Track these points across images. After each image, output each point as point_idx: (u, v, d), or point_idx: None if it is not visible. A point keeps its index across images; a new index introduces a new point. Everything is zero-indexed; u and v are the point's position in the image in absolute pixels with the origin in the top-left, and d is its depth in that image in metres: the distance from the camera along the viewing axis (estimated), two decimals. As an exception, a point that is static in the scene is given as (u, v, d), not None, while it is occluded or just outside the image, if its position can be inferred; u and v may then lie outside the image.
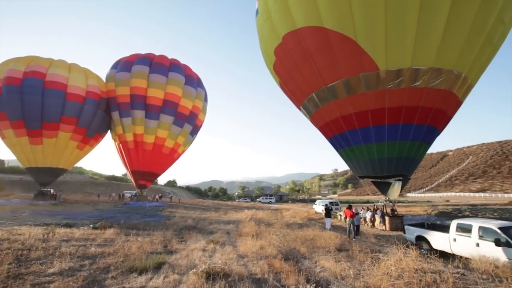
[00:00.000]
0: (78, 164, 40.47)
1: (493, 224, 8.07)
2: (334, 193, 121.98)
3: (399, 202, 45.54)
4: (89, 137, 31.03)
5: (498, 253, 7.39)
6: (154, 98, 30.40)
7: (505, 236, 7.44)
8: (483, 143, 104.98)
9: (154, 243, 9.48)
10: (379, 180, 16.08)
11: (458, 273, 6.17)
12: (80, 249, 7.92)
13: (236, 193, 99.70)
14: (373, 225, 17.32)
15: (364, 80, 12.93)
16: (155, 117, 30.85)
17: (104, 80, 32.63)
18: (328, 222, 15.00)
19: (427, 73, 12.17)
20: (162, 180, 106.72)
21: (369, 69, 12.55)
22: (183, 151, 36.61)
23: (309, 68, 14.30)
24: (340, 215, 20.40)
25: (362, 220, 17.75)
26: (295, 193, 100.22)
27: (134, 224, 14.31)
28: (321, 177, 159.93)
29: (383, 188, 16.13)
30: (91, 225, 12.92)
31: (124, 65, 31.26)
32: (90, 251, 7.82)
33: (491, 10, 11.42)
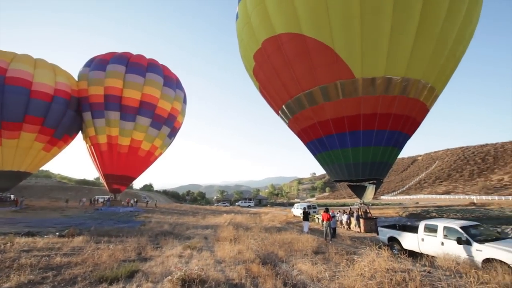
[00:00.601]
0: (44, 167, 37.79)
1: (456, 224, 8.68)
2: (312, 196, 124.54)
3: (373, 204, 47.49)
4: (57, 138, 28.98)
5: (459, 251, 7.96)
6: (130, 99, 29.21)
7: (466, 235, 8.05)
8: (448, 149, 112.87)
9: (127, 251, 9.05)
10: (354, 183, 16.69)
11: (424, 271, 6.53)
12: (43, 260, 7.34)
13: (215, 197, 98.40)
14: (349, 227, 17.88)
15: (341, 87, 13.43)
16: (131, 118, 29.64)
17: (75, 78, 30.86)
18: (306, 225, 15.25)
19: (399, 82, 12.93)
20: (137, 184, 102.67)
21: (346, 77, 13.07)
22: (160, 154, 35.53)
23: (287, 73, 14.59)
24: (318, 218, 20.83)
25: (338, 222, 18.26)
26: (274, 196, 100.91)
27: (106, 230, 13.58)
28: (300, 181, 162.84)
29: (358, 191, 16.77)
30: (57, 233, 12.04)
31: (99, 64, 29.79)
32: (54, 262, 7.28)
33: (453, 27, 12.43)
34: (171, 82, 32.81)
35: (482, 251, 7.52)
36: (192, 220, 22.87)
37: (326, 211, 13.65)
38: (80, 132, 32.45)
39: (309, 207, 27.42)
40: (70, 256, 7.92)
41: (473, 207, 39.10)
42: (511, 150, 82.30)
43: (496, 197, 53.14)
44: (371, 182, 16.16)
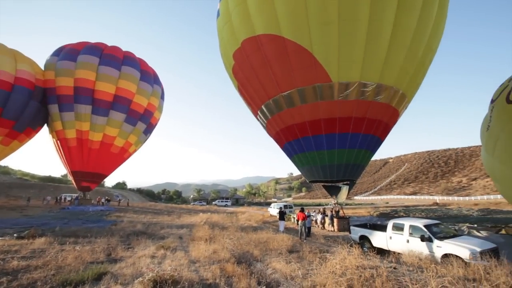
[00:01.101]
0: (2, 162, 34.63)
1: (420, 223, 9.31)
2: (289, 196, 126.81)
3: (346, 204, 49.38)
4: (18, 131, 26.61)
5: (422, 248, 8.56)
6: (104, 93, 27.65)
7: (428, 233, 8.66)
8: (416, 152, 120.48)
9: (95, 252, 8.60)
10: (329, 184, 17.25)
11: (391, 267, 6.91)
12: (-3, 264, 6.75)
13: (192, 196, 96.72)
14: (323, 226, 18.44)
15: (318, 90, 13.77)
16: (104, 113, 28.09)
17: (41, 67, 28.61)
18: (282, 224, 15.49)
19: (373, 88, 13.55)
20: (110, 181, 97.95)
21: (323, 80, 13.43)
22: (135, 151, 34.14)
23: (266, 74, 14.71)
24: (294, 218, 21.25)
25: (313, 222, 18.76)
26: (251, 196, 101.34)
27: (73, 231, 12.79)
28: (277, 181, 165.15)
29: (333, 191, 17.36)
30: (15, 234, 11.12)
31: (69, 53, 27.79)
32: (10, 266, 6.71)
33: (423, 38, 13.30)
34: (149, 76, 31.61)
35: (441, 247, 8.15)
36: (167, 219, 22.26)
37: (302, 210, 14.00)
38: (46, 125, 30.21)
39: (285, 206, 27.91)
40: (29, 259, 7.35)
41: (436, 206, 42.17)
42: (469, 155, 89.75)
43: (456, 198, 57.76)
44: (345, 183, 16.80)
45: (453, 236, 8.89)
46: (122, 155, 32.19)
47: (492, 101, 13.48)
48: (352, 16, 11.96)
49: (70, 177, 33.29)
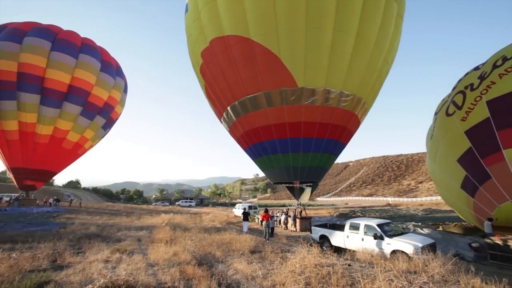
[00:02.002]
0: None
1: (373, 222, 10.08)
2: (254, 197, 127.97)
3: (309, 205, 51.35)
4: None
5: (375, 245, 9.28)
6: (56, 82, 24.87)
7: (380, 231, 9.42)
8: (373, 157, 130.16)
9: (37, 259, 7.72)
10: (292, 185, 17.79)
11: (346, 264, 7.36)
12: None
13: (154, 196, 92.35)
14: (286, 227, 18.92)
15: (284, 94, 14.11)
16: (56, 104, 25.31)
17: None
18: (246, 225, 15.55)
19: (337, 95, 14.32)
20: (60, 180, 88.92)
21: (289, 85, 13.79)
22: (91, 147, 31.50)
23: (233, 76, 14.68)
24: (258, 218, 21.47)
25: (276, 222, 19.15)
26: (216, 196, 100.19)
27: (10, 236, 11.32)
28: (243, 182, 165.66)
29: (296, 193, 17.93)
30: None
31: (12, 34, 24.20)
32: None
33: (381, 52, 14.46)
34: (110, 68, 29.39)
35: (390, 244, 8.92)
36: (125, 220, 20.90)
37: (266, 211, 14.24)
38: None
39: (250, 207, 28.06)
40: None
41: (388, 207, 45.96)
42: (417, 160, 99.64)
43: (405, 199, 63.66)
44: (308, 184, 17.46)
45: (401, 233, 9.78)
46: (76, 151, 29.46)
47: (436, 113, 15.22)
48: (318, 25, 12.50)
49: (9, 175, 29.49)
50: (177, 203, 65.41)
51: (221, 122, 18.50)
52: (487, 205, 11.17)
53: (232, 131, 17.99)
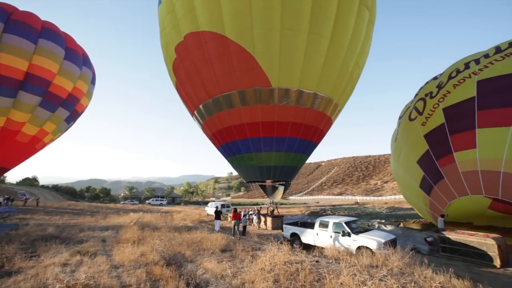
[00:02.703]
0: None
1: (342, 220, 10.54)
2: (228, 195, 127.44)
3: (282, 204, 52.29)
4: None
5: (342, 242, 9.72)
6: (9, 68, 22.29)
7: (347, 229, 9.88)
8: (344, 157, 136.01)
9: (-21, 265, 6.97)
10: (265, 184, 17.99)
11: (314, 260, 7.61)
12: None
13: (122, 194, 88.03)
14: (259, 225, 19.09)
15: (258, 93, 14.15)
16: (9, 93, 22.75)
17: None
18: (217, 224, 15.45)
19: (311, 96, 14.69)
20: (14, 177, 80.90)
21: (263, 84, 13.84)
22: (52, 141, 29.01)
23: (207, 73, 14.39)
24: (230, 217, 21.41)
25: (249, 221, 19.24)
26: (189, 195, 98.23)
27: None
28: (217, 180, 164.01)
29: (269, 191, 18.17)
30: None
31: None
32: None
33: (353, 56, 15.10)
34: (76, 56, 27.19)
35: (356, 241, 9.40)
36: (89, 220, 19.69)
37: (235, 210, 14.64)
38: None
39: (223, 206, 27.87)
40: None
41: (356, 205, 48.33)
42: (383, 161, 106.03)
43: (372, 197, 67.52)
44: (280, 183, 17.77)
45: (366, 230, 10.35)
46: (33, 145, 26.94)
47: (400, 117, 16.32)
48: (293, 26, 12.68)
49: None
50: (147, 201, 63.08)
51: (194, 119, 18.09)
52: (440, 202, 12.25)
53: (205, 128, 17.67)
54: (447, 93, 12.30)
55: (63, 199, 63.93)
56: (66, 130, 30.37)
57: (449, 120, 11.86)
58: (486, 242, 8.93)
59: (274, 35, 12.70)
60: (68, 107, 27.53)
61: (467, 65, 12.44)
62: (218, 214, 15.94)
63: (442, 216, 12.20)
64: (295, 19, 12.57)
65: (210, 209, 28.81)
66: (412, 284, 5.12)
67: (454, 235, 9.87)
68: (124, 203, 62.16)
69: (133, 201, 65.97)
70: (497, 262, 8.56)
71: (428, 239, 11.20)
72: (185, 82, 16.04)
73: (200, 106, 16.05)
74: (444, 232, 10.39)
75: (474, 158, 10.84)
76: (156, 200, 61.41)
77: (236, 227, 13.46)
